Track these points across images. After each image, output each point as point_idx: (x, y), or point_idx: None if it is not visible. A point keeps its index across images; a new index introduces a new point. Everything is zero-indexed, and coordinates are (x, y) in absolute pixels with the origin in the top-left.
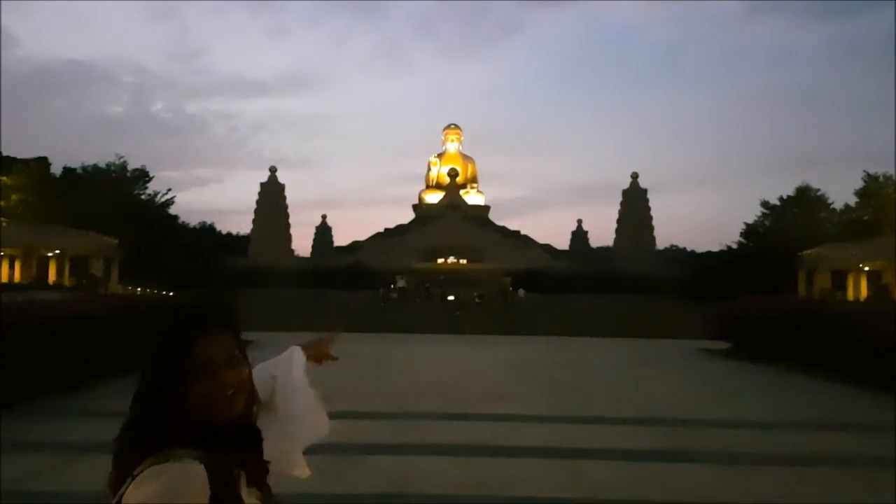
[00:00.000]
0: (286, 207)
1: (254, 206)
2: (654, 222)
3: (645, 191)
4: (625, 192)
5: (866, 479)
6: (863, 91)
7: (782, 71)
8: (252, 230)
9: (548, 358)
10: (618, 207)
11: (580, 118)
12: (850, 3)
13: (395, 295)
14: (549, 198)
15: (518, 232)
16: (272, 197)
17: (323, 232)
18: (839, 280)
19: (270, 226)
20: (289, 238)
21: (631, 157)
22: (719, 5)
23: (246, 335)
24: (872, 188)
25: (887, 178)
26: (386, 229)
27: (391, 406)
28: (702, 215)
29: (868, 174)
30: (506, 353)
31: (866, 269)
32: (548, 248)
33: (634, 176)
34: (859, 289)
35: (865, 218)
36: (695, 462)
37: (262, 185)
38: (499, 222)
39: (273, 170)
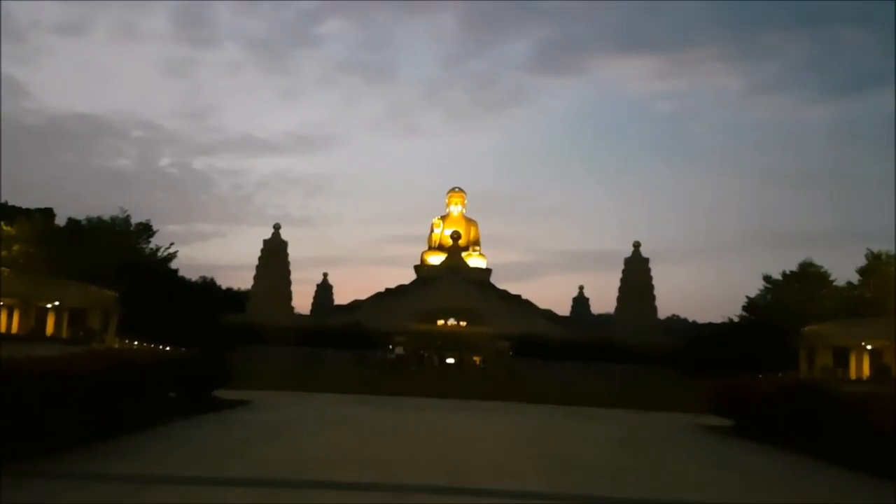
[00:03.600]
0: (288, 264)
1: (256, 262)
2: (656, 291)
3: (647, 260)
4: (626, 261)
5: None
6: (864, 170)
7: (784, 148)
8: (253, 286)
9: (549, 429)
10: (619, 275)
11: (583, 186)
12: (851, 84)
13: (393, 356)
14: (551, 264)
15: (519, 296)
16: (275, 253)
17: (324, 289)
18: (840, 357)
19: (272, 282)
20: (289, 295)
21: (633, 227)
22: (722, 82)
23: (241, 394)
24: (874, 266)
25: (889, 256)
26: (387, 289)
27: (383, 477)
28: (703, 287)
29: (871, 252)
30: (505, 422)
31: (868, 347)
32: (548, 314)
33: (636, 245)
34: (861, 367)
35: (867, 296)
36: None
37: (265, 241)
38: (500, 286)
39: (277, 227)
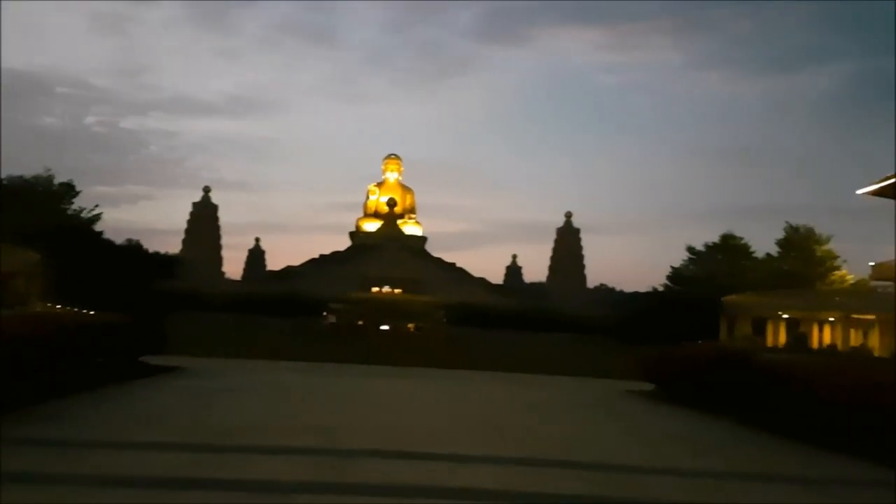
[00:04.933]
0: (219, 228)
1: (185, 226)
2: (586, 261)
3: (578, 230)
4: (558, 230)
5: None
6: (790, 147)
7: (717, 123)
8: (182, 251)
9: (482, 395)
10: (552, 245)
11: (523, 157)
12: (784, 61)
13: (328, 324)
14: (488, 233)
15: (454, 265)
16: (205, 217)
17: (256, 255)
18: (759, 326)
19: (202, 247)
20: (220, 260)
21: (568, 198)
22: (664, 56)
23: (176, 361)
24: (794, 240)
25: (808, 230)
26: (321, 255)
27: (321, 442)
28: (631, 257)
29: (791, 226)
30: (443, 389)
31: (785, 316)
32: (483, 283)
33: (568, 215)
34: (778, 336)
35: (785, 268)
36: None
37: (194, 204)
38: (438, 255)
39: (207, 189)
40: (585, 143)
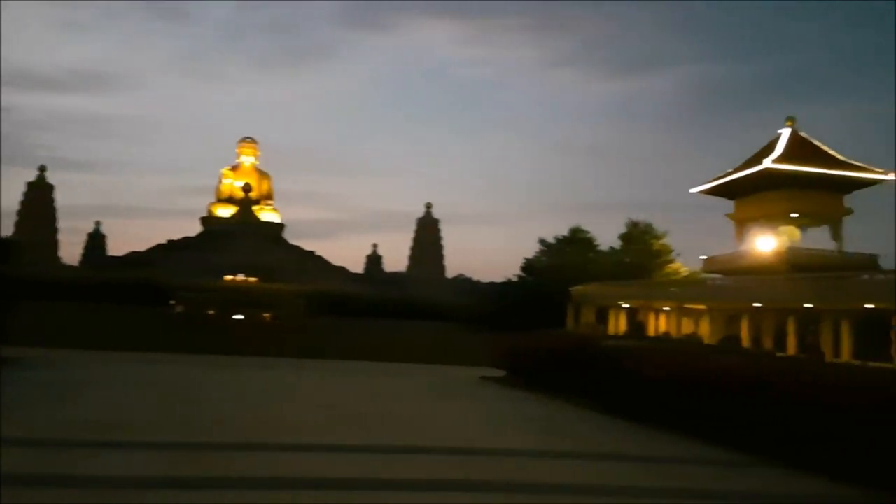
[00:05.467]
0: (55, 210)
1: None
2: (445, 251)
3: (437, 220)
4: (419, 221)
5: None
6: (636, 146)
7: (572, 121)
8: (14, 233)
9: (339, 384)
10: (412, 235)
11: (385, 146)
12: (639, 64)
13: (178, 312)
14: (348, 222)
15: (313, 253)
16: (39, 198)
17: (95, 239)
18: (602, 315)
19: (36, 229)
20: (56, 244)
21: (428, 189)
22: (524, 53)
23: (15, 352)
24: (634, 234)
25: (647, 225)
26: (169, 241)
27: (177, 435)
28: (490, 248)
29: (632, 221)
30: (303, 379)
31: (625, 306)
32: (343, 272)
33: (428, 205)
34: (618, 324)
35: (627, 260)
36: (475, 491)
37: (28, 184)
38: (296, 242)
39: (42, 168)
40: (446, 134)
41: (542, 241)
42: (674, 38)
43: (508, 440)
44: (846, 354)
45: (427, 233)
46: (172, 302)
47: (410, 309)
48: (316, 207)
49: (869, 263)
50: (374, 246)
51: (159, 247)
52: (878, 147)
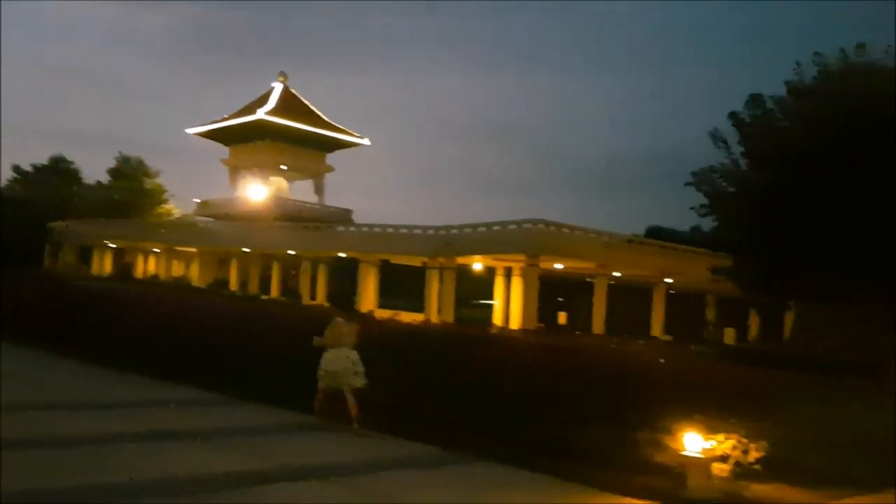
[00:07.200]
0: None
1: None
2: None
3: None
4: None
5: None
6: (134, 77)
7: (54, 40)
8: None
9: None
10: None
11: None
12: None
13: None
14: None
15: None
16: None
17: None
18: (86, 254)
19: None
20: None
21: None
22: None
23: None
24: (125, 170)
25: (139, 162)
26: None
27: None
28: None
29: (123, 156)
30: None
31: (112, 246)
32: None
33: None
34: (104, 265)
35: (116, 198)
36: None
37: None
38: None
39: None
40: None
41: (17, 169)
42: None
43: None
44: (321, 297)
45: None
46: None
47: None
48: None
49: (344, 217)
50: None
51: None
52: (361, 115)
